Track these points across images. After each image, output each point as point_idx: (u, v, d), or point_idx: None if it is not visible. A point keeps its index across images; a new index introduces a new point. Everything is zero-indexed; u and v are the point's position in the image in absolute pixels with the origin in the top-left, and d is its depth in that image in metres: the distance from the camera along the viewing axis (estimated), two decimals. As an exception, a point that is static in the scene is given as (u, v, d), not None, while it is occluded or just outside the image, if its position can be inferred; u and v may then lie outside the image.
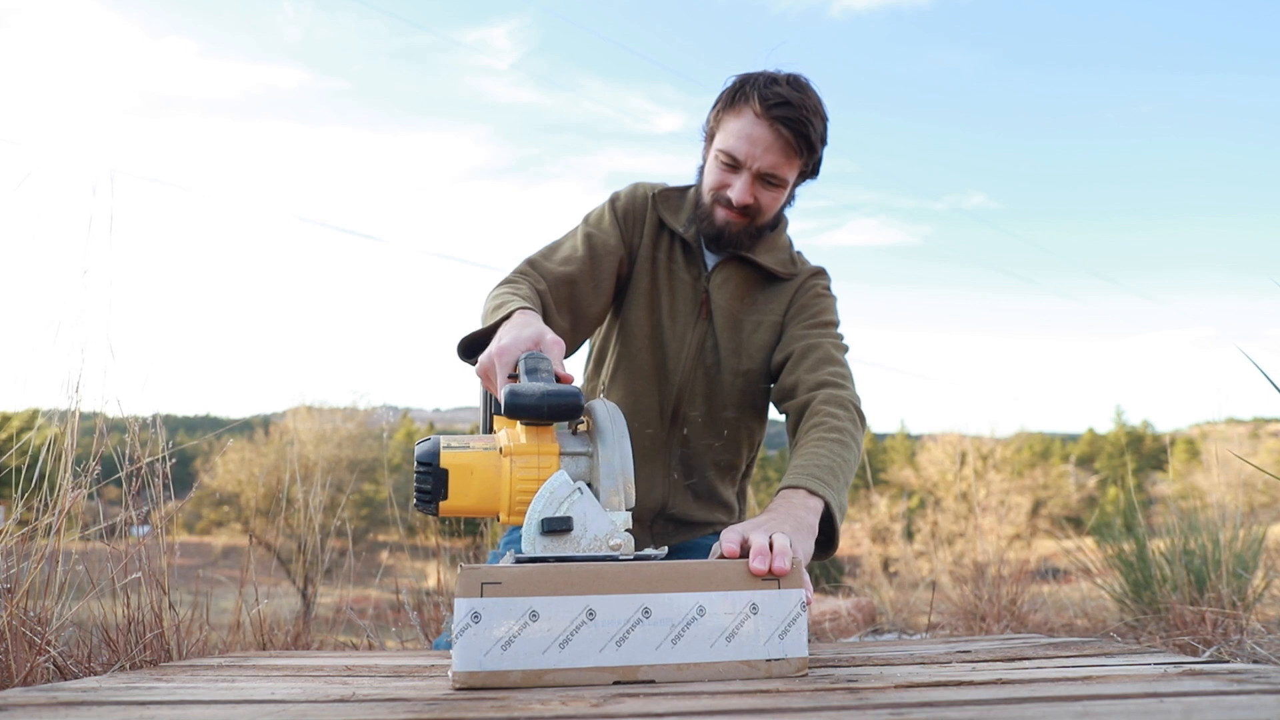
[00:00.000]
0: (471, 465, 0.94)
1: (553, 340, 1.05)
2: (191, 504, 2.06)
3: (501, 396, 0.93)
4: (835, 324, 1.53)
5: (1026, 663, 0.94)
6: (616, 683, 0.83)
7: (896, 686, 0.78)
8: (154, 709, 0.74)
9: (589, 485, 0.93)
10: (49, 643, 1.33)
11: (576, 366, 1.71)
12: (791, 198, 1.52)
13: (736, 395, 1.52)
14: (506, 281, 1.37)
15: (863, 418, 1.38)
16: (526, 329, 1.06)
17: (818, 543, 1.15)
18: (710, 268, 1.52)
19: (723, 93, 1.43)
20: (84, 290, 1.56)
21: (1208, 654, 1.70)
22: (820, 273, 1.58)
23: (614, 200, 1.54)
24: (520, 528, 0.93)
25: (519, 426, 0.96)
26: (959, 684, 0.79)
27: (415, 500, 0.95)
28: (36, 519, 1.45)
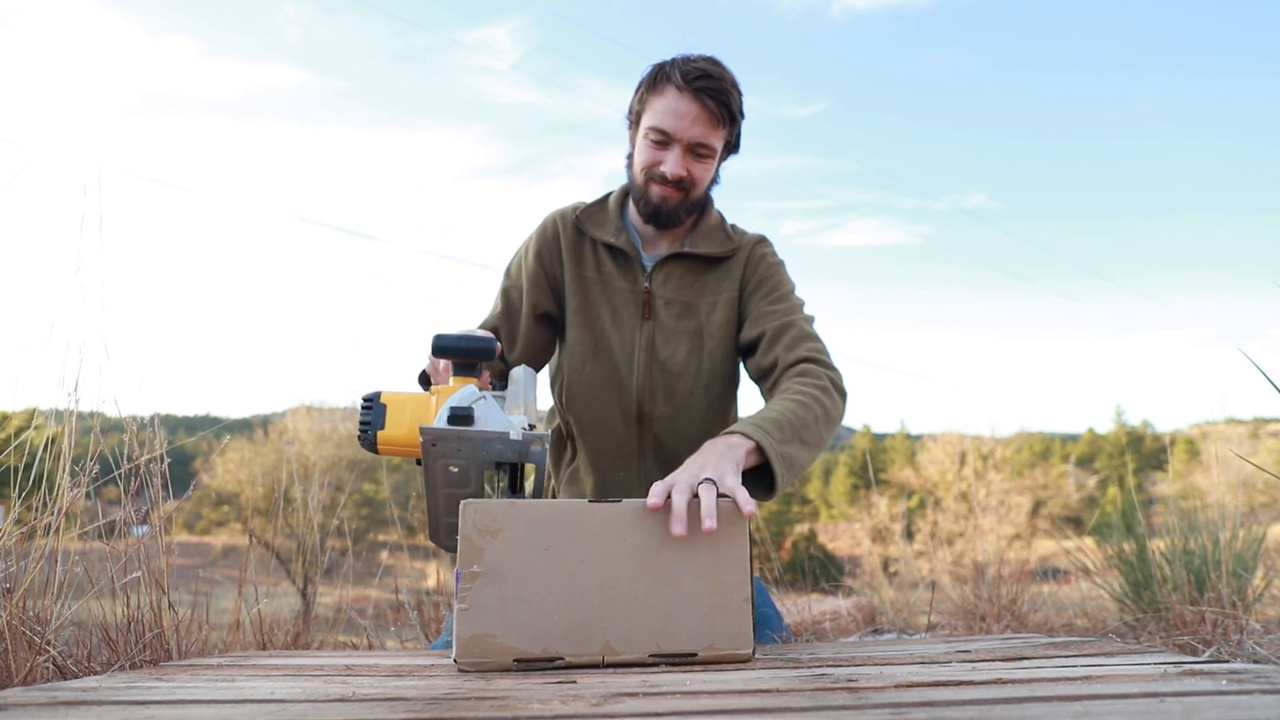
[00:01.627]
0: (405, 401, 1.10)
1: (483, 331, 1.23)
2: (191, 504, 2.06)
3: (431, 340, 1.10)
4: (793, 292, 1.56)
5: (1026, 662, 0.94)
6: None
7: (896, 686, 0.78)
8: (154, 709, 0.74)
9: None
10: (48, 642, 1.33)
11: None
12: (716, 176, 1.56)
13: (703, 379, 1.53)
14: None
15: (839, 387, 1.40)
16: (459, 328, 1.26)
17: (761, 485, 1.21)
18: (649, 268, 1.54)
19: (643, 78, 1.50)
20: (78, 289, 1.56)
21: (1208, 654, 1.70)
22: (762, 240, 1.61)
23: (527, 246, 1.60)
24: None
25: (450, 378, 1.12)
26: (959, 684, 0.79)
27: (359, 435, 1.10)
28: (35, 518, 1.45)
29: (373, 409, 1.09)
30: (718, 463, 1.10)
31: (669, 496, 1.01)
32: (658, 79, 1.47)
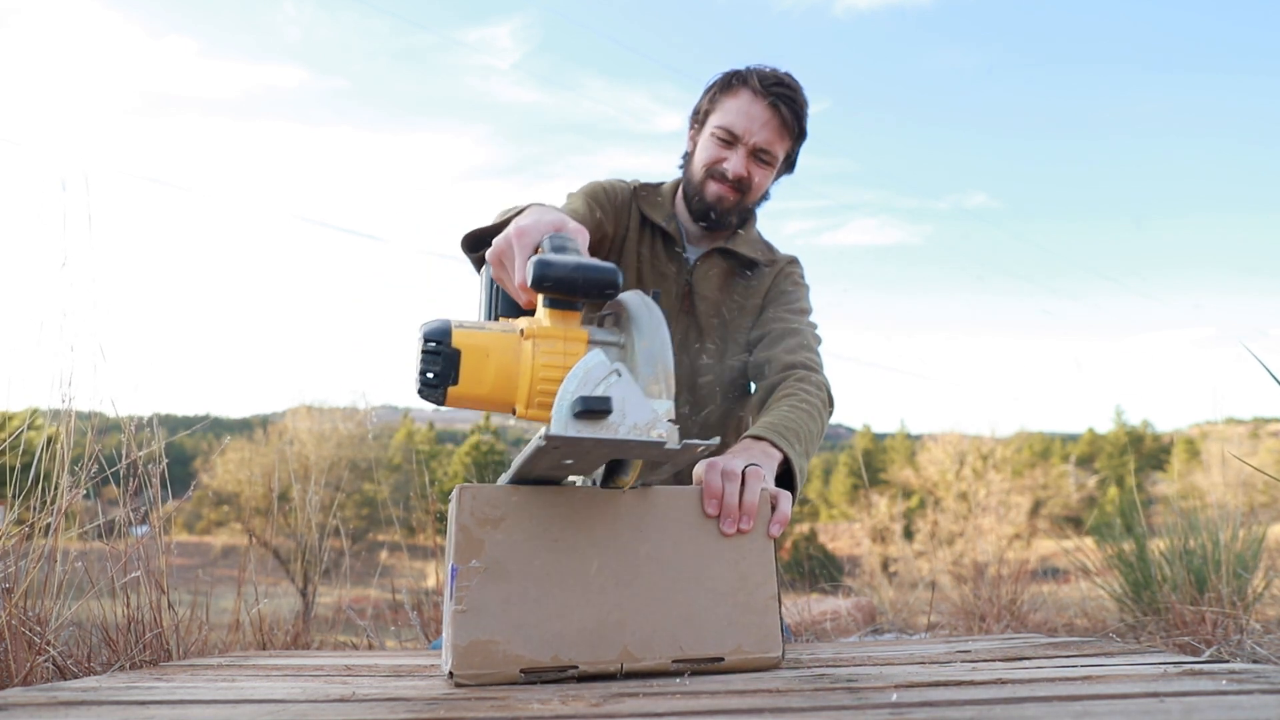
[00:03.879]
0: (488, 347, 0.83)
1: (577, 227, 0.93)
2: (191, 504, 2.06)
3: (528, 269, 0.82)
4: (810, 312, 1.58)
5: (1026, 662, 0.94)
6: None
7: (896, 686, 0.78)
8: (154, 709, 0.74)
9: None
10: (48, 642, 1.33)
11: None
12: (767, 191, 1.57)
13: (722, 386, 1.54)
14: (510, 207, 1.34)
15: (832, 402, 1.43)
16: (548, 214, 0.94)
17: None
18: (692, 261, 1.55)
19: (717, 79, 1.51)
20: (68, 288, 1.56)
21: (1208, 654, 1.70)
22: (795, 261, 1.64)
23: (600, 187, 1.55)
24: None
25: (541, 310, 0.87)
26: (959, 684, 0.78)
27: (419, 385, 0.84)
28: (35, 518, 1.44)
29: (441, 356, 0.83)
30: (764, 462, 1.12)
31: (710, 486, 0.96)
32: (732, 81, 1.48)
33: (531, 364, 0.83)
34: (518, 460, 0.85)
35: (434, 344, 0.83)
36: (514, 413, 0.85)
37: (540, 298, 0.85)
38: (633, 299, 0.88)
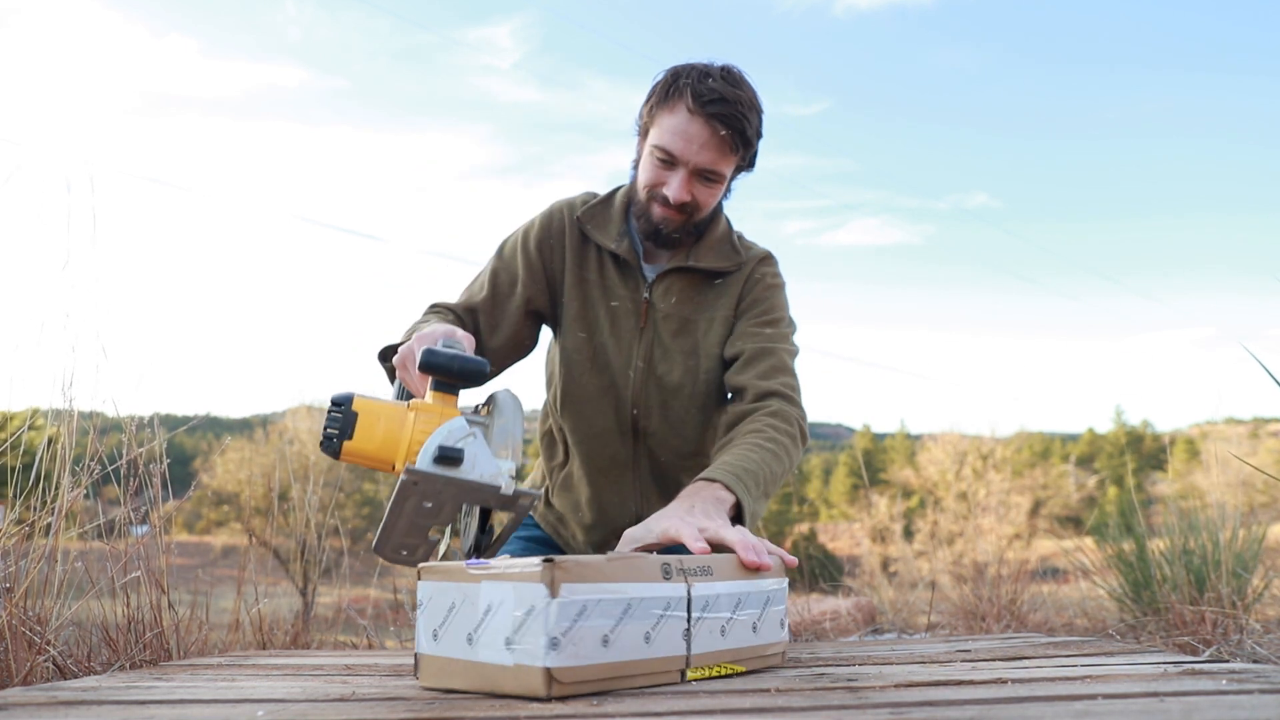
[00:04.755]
0: (379, 412, 0.99)
1: (465, 336, 1.14)
2: (191, 504, 2.06)
3: (417, 355, 1.01)
4: (786, 319, 1.51)
5: (1026, 662, 0.94)
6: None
7: (896, 686, 0.78)
8: (154, 708, 0.74)
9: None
10: (49, 642, 1.33)
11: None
12: (728, 190, 1.49)
13: (698, 399, 1.49)
14: (427, 312, 1.48)
15: (805, 435, 1.38)
16: (441, 327, 1.16)
17: None
18: (650, 279, 1.48)
19: (655, 86, 1.40)
20: (70, 288, 1.56)
21: (1208, 654, 1.70)
22: (768, 258, 1.54)
23: (528, 232, 1.51)
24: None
25: (429, 393, 1.03)
26: (959, 683, 0.79)
27: (321, 439, 0.99)
28: (35, 518, 1.45)
29: (342, 415, 0.98)
30: (714, 511, 1.09)
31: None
32: (669, 93, 1.36)
33: (411, 429, 0.98)
34: (387, 507, 0.97)
35: (338, 406, 0.98)
36: (393, 469, 0.99)
37: (429, 382, 1.01)
38: (502, 395, 1.06)
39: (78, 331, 1.56)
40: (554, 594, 0.73)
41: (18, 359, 1.51)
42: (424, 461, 0.93)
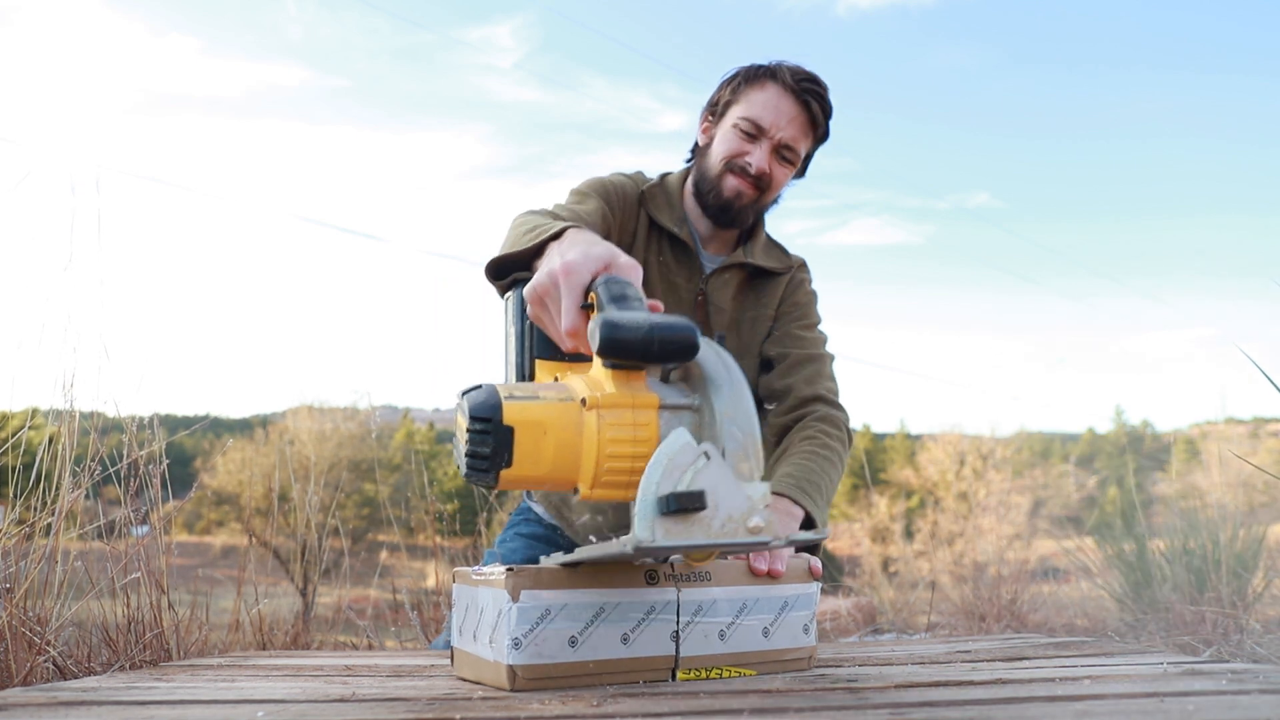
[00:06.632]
0: (545, 421, 0.70)
1: (629, 263, 0.80)
2: (191, 504, 2.06)
3: (594, 333, 0.69)
4: (820, 322, 1.56)
5: (1026, 663, 0.94)
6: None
7: (896, 686, 0.78)
8: (154, 709, 0.74)
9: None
10: (48, 642, 1.33)
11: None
12: (779, 194, 1.52)
13: None
14: (532, 213, 1.20)
15: (851, 438, 1.44)
16: (594, 247, 0.81)
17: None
18: (708, 270, 1.49)
19: (740, 70, 1.46)
20: (73, 289, 1.56)
21: (1208, 654, 1.70)
22: (805, 265, 1.60)
23: (608, 187, 1.47)
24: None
25: (600, 371, 0.74)
26: (959, 684, 0.79)
27: (467, 468, 0.72)
28: (36, 518, 1.45)
29: (492, 434, 0.70)
30: (787, 524, 1.16)
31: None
32: (759, 74, 1.43)
33: (597, 439, 0.70)
34: (585, 554, 0.77)
35: (482, 423, 0.70)
36: (575, 492, 0.74)
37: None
38: (707, 354, 0.74)
39: (79, 332, 1.56)
40: (515, 599, 0.79)
41: (19, 359, 1.52)
42: (648, 524, 0.63)
